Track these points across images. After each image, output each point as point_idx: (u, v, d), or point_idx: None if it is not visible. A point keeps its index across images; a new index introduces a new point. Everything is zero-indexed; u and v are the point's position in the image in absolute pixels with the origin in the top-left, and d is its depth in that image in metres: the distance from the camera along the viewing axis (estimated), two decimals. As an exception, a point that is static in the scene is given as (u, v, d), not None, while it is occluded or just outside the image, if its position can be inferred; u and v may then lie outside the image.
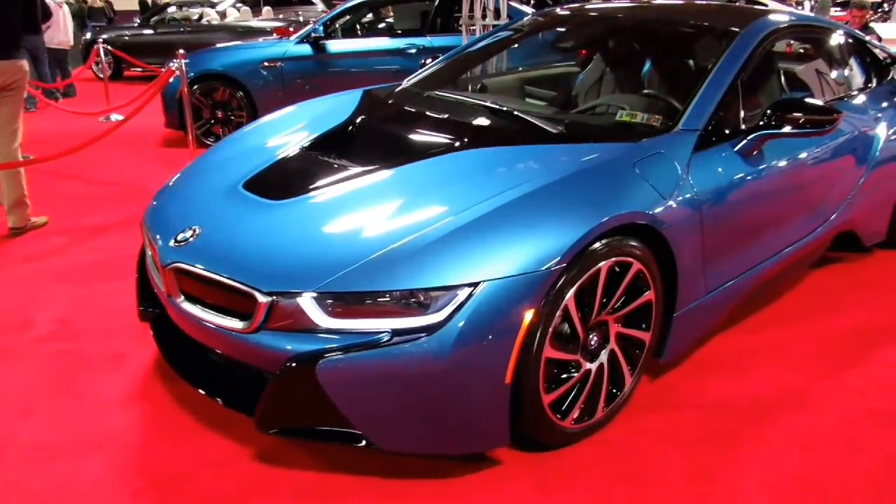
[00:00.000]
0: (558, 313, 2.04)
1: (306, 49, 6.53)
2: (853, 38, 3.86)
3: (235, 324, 2.03)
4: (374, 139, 2.85)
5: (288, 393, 1.97)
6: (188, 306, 2.16)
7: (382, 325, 1.91)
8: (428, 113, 2.97)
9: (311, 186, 2.35)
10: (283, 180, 2.51)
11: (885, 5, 14.43)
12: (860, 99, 3.62)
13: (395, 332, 1.89)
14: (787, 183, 2.91)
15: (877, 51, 4.00)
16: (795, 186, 3.01)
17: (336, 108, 3.12)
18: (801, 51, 4.37)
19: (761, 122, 2.63)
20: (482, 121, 2.85)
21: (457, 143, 2.58)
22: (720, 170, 2.57)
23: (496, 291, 1.91)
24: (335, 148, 2.72)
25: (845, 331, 3.12)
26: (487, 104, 2.95)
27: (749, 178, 2.66)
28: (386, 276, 1.93)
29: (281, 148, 2.75)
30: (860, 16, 6.87)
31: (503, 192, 2.13)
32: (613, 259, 2.16)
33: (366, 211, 2.17)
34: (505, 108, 2.86)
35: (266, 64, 6.43)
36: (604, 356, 2.30)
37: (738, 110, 2.75)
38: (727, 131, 2.68)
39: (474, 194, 2.14)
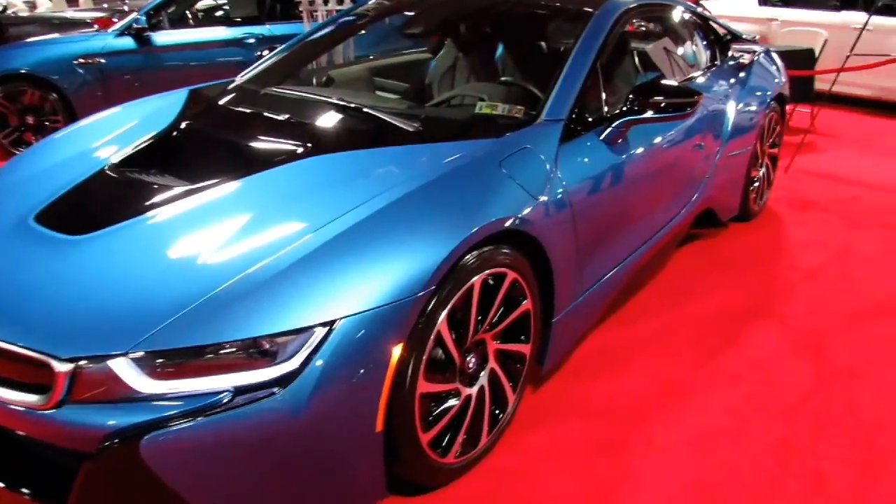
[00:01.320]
0: (430, 342, 1.79)
1: (128, 42, 5.81)
2: (698, 16, 3.87)
3: (30, 398, 1.60)
4: (199, 150, 2.42)
5: (108, 478, 1.58)
6: (-35, 380, 1.69)
7: (222, 382, 1.56)
8: (266, 114, 2.59)
9: (123, 214, 1.92)
10: (86, 208, 2.06)
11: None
12: (710, 77, 3.63)
13: (239, 390, 1.56)
14: (653, 168, 2.82)
15: (718, 27, 4.06)
16: (661, 171, 2.93)
17: (155, 112, 2.66)
18: (643, 29, 4.36)
19: (624, 108, 2.49)
20: (328, 121, 2.52)
21: (299, 150, 2.23)
22: (588, 161, 2.41)
23: (357, 328, 1.61)
24: (152, 163, 2.29)
25: (713, 313, 3.10)
26: (333, 101, 2.61)
27: (617, 167, 2.53)
28: (220, 324, 1.58)
29: (87, 164, 2.28)
30: None
31: (358, 207, 1.83)
32: (487, 272, 1.93)
33: (191, 242, 1.79)
34: (353, 105, 2.54)
35: (81, 61, 5.66)
36: (484, 378, 2.08)
37: (600, 96, 2.61)
38: (591, 119, 2.53)
39: (323, 212, 1.82)
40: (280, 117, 2.53)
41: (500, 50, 3.27)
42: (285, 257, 1.68)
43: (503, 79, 2.95)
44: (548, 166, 2.21)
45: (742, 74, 3.81)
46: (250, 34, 6.11)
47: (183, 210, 1.93)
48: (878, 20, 6.59)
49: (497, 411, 2.16)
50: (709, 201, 3.54)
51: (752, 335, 2.93)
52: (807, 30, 6.92)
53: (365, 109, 2.51)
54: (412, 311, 1.70)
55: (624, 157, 2.56)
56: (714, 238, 3.95)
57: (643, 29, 4.17)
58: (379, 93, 3.11)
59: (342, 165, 2.11)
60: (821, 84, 6.19)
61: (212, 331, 1.57)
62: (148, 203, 1.97)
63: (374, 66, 3.92)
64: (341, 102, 2.58)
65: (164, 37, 5.95)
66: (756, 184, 4.10)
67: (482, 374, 2.08)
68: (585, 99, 2.52)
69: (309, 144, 2.27)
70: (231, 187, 2.01)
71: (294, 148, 2.26)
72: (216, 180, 2.04)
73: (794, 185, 4.93)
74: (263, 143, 2.40)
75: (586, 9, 2.87)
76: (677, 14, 3.70)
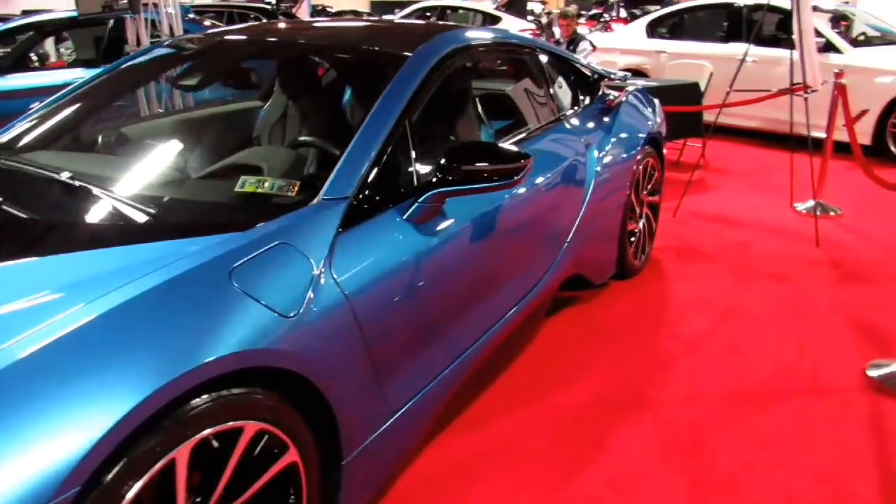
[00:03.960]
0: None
1: (-65, 90, 5.04)
2: (554, 55, 3.44)
3: None
4: None
5: None
6: None
7: None
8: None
9: None
10: None
11: (606, 15, 15.44)
12: (568, 123, 3.18)
13: None
14: (485, 243, 2.30)
15: (582, 68, 3.64)
16: (498, 245, 2.42)
17: None
18: (491, 70, 3.92)
19: (435, 178, 1.97)
20: (38, 209, 1.89)
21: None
22: (383, 249, 1.86)
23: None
24: None
25: (579, 406, 2.60)
26: (61, 178, 1.98)
27: (428, 250, 1.99)
28: None
29: None
30: (567, 24, 6.89)
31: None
32: (203, 433, 1.35)
33: None
34: (78, 184, 1.92)
35: None
36: (223, 571, 1.48)
37: (409, 161, 2.10)
38: (402, 190, 2.01)
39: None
40: (-16, 203, 1.89)
41: (309, 107, 2.72)
42: None
43: (303, 138, 2.40)
44: (314, 267, 1.65)
45: (607, 119, 3.40)
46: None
47: None
48: (763, 51, 6.44)
49: None
50: (574, 267, 3.07)
51: (620, 436, 2.43)
52: (693, 62, 6.73)
53: (94, 191, 1.90)
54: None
55: (438, 237, 2.03)
56: (590, 301, 3.50)
57: (490, 70, 3.72)
58: (152, 159, 2.45)
59: (8, 282, 1.49)
60: (709, 116, 5.96)
61: None
62: None
63: (189, 117, 3.34)
64: (68, 180, 1.96)
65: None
66: (635, 237, 3.68)
67: (221, 565, 1.48)
68: (388, 168, 1.99)
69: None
70: None
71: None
72: None
73: (682, 230, 4.58)
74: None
75: (403, 52, 2.37)
76: (527, 53, 3.25)
